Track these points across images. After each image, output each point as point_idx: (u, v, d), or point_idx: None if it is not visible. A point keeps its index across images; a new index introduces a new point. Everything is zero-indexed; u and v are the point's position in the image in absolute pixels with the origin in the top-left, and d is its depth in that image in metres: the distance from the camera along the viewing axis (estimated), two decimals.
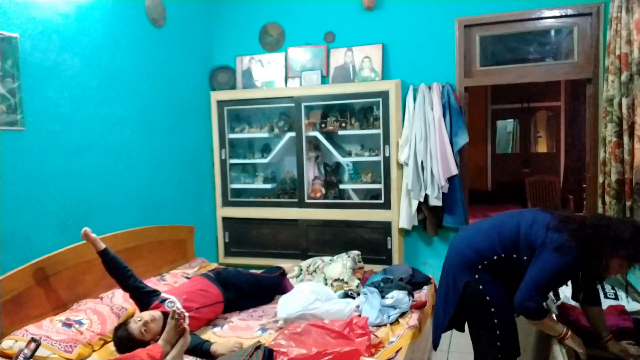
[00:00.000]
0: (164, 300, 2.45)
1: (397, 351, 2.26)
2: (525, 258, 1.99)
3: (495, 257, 2.06)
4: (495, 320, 2.08)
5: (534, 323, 1.99)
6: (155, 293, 2.58)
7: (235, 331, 2.59)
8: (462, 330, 2.27)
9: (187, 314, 2.21)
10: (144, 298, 2.52)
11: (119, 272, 2.59)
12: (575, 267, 1.92)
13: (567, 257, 1.87)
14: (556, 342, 2.03)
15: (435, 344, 2.30)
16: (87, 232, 2.60)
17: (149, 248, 3.34)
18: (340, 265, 3.23)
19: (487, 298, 2.07)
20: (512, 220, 2.10)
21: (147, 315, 2.30)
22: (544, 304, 2.02)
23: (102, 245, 2.62)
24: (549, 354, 2.17)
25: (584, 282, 2.05)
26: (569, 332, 1.95)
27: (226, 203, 4.33)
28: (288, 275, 3.30)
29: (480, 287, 2.07)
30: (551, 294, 2.47)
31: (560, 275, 1.94)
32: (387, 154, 3.83)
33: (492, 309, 2.07)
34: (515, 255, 2.03)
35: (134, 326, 2.24)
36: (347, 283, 3.10)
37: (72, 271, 2.71)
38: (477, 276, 2.08)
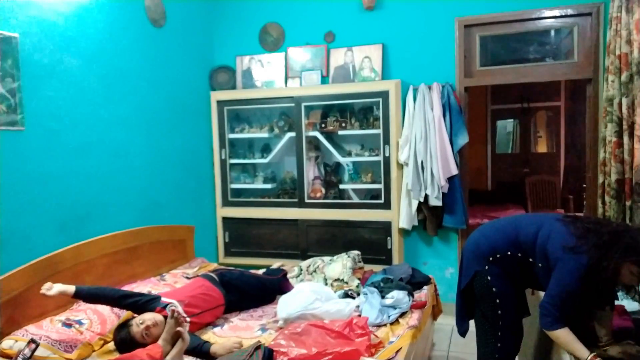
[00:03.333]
0: (165, 306, 2.38)
1: (397, 351, 2.26)
2: (540, 265, 2.03)
3: (509, 253, 2.11)
4: (499, 312, 2.13)
5: (553, 336, 1.93)
6: (154, 300, 2.49)
7: (235, 331, 2.58)
8: (472, 317, 2.31)
9: (188, 320, 2.19)
10: (144, 309, 2.43)
11: (106, 301, 2.48)
12: (590, 281, 1.89)
13: (579, 280, 1.87)
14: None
15: (459, 331, 2.37)
16: (44, 292, 2.30)
17: (148, 248, 3.34)
18: (340, 265, 3.23)
19: (494, 289, 2.12)
20: (532, 225, 2.11)
21: (149, 320, 2.25)
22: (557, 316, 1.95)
23: (72, 289, 2.36)
24: (552, 354, 2.17)
25: (602, 286, 1.99)
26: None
27: (226, 203, 4.33)
28: (288, 275, 3.30)
29: (489, 278, 2.13)
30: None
31: (575, 293, 1.91)
32: (387, 154, 3.83)
33: (497, 300, 2.12)
34: (531, 260, 2.07)
35: (136, 330, 2.23)
36: (347, 283, 3.10)
37: (72, 271, 2.71)
38: (486, 267, 2.14)
